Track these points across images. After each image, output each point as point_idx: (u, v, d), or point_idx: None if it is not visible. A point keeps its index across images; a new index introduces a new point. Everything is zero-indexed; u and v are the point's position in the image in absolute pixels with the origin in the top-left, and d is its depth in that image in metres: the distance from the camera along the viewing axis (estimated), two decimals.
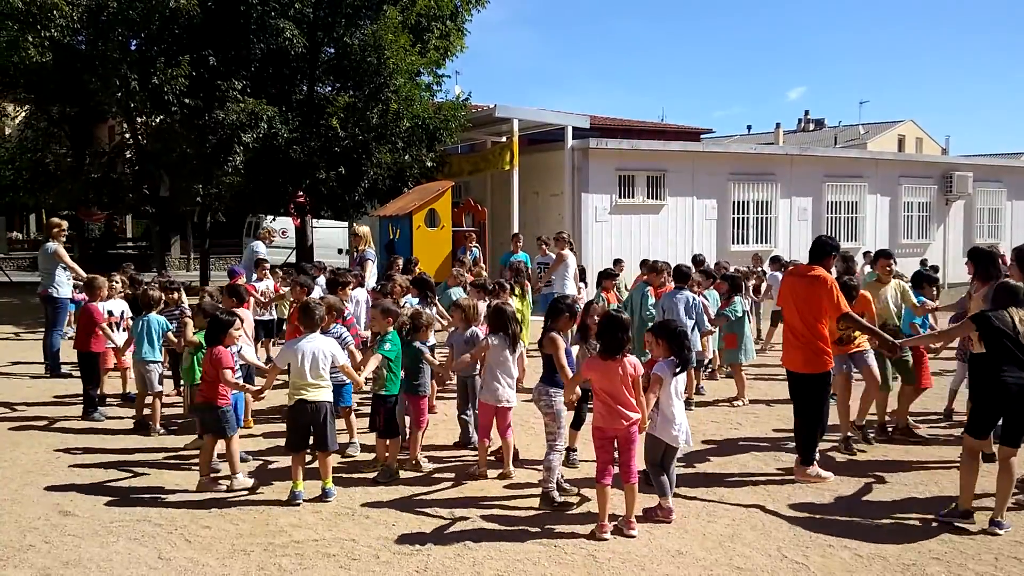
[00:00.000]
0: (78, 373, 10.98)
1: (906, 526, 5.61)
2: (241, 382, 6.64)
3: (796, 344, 6.57)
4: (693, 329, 8.92)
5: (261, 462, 7.05)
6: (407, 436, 7.02)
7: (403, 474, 6.69)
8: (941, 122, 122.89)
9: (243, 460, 6.81)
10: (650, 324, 7.85)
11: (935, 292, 9.13)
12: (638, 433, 5.54)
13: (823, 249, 6.73)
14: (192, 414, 7.42)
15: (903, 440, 7.71)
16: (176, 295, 9.02)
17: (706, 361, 10.16)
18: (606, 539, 5.32)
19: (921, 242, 21.61)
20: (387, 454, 6.68)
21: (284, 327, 10.12)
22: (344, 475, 6.61)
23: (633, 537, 5.36)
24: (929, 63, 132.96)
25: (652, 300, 9.36)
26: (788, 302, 6.70)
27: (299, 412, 6.10)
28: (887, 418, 7.98)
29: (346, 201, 18.31)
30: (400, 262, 11.37)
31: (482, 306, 8.34)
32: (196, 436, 7.45)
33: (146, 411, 8.20)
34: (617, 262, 13.42)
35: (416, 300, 8.73)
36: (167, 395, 9.40)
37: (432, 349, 7.61)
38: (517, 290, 10.26)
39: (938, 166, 23.21)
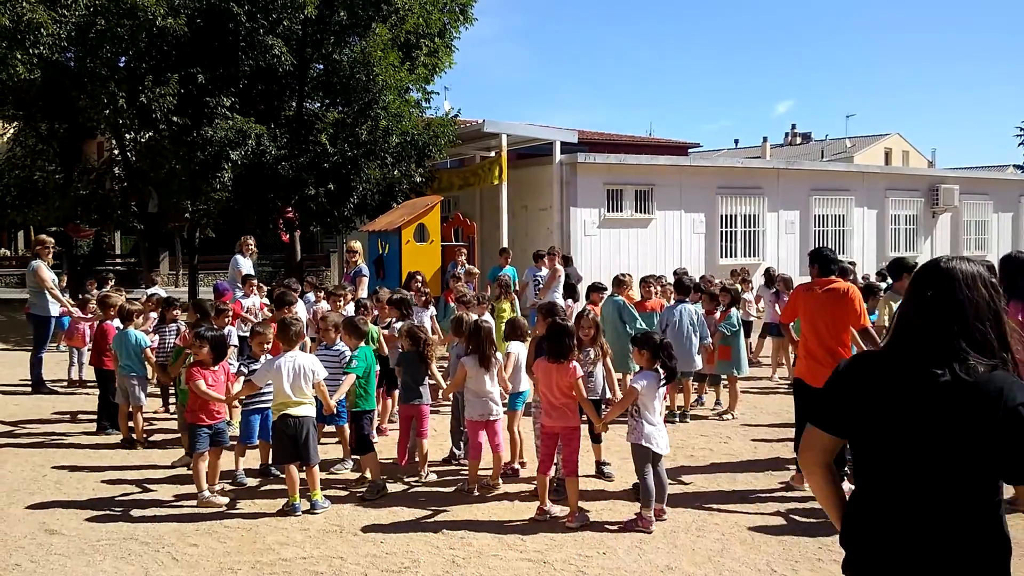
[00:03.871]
0: (63, 389, 11.09)
1: None
2: (212, 393, 6.55)
3: (825, 360, 6.40)
4: (687, 340, 9.00)
5: (258, 480, 7.02)
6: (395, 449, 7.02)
7: (391, 489, 6.67)
8: (927, 135, 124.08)
9: (240, 484, 6.80)
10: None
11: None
12: (580, 435, 5.98)
13: (832, 260, 6.73)
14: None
15: None
16: (175, 312, 8.97)
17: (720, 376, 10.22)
18: (543, 520, 5.83)
19: (908, 254, 21.67)
20: (369, 470, 6.67)
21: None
22: (332, 492, 6.58)
23: (573, 529, 5.72)
24: (915, 77, 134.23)
25: (634, 311, 9.38)
26: (811, 317, 6.58)
27: (283, 427, 6.12)
28: None
29: (335, 217, 18.30)
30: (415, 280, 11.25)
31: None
32: (184, 453, 7.43)
33: (130, 423, 8.20)
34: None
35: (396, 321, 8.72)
36: (155, 412, 9.40)
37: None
38: (506, 304, 10.27)
39: (924, 179, 23.35)
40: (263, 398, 6.82)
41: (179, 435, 7.90)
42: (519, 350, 7.03)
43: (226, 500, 6.38)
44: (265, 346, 6.95)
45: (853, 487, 2.50)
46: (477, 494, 6.56)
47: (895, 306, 7.79)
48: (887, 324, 7.96)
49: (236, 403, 7.23)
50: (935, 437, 2.25)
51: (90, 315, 11.53)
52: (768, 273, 13.13)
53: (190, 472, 7.00)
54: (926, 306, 2.36)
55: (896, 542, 2.32)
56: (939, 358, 2.27)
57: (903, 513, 2.31)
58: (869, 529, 2.39)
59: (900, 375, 2.33)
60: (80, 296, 11.55)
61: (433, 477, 7.02)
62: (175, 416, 8.50)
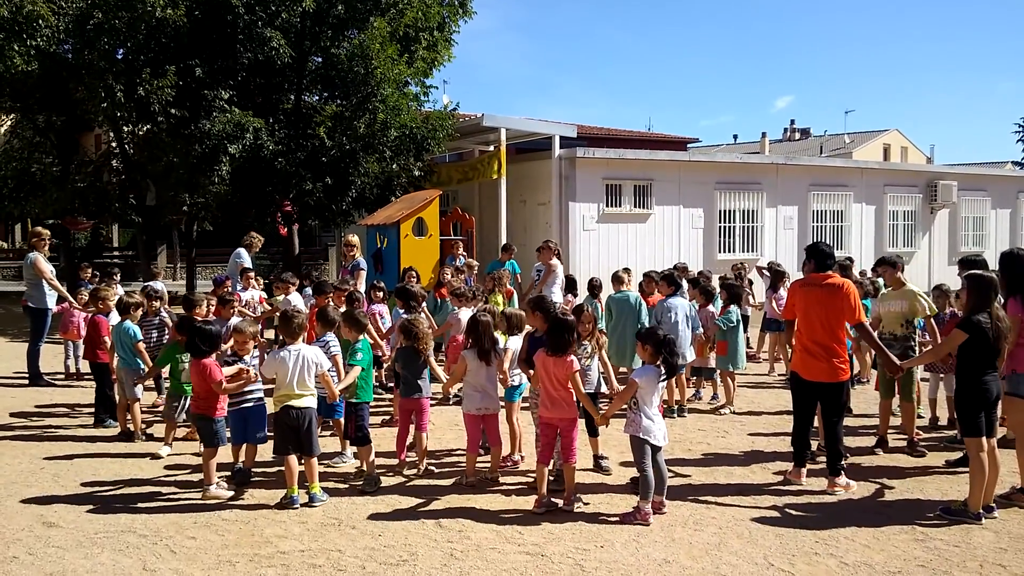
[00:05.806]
0: (60, 382, 11.07)
1: (892, 534, 5.63)
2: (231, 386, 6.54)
3: (820, 355, 6.45)
4: (680, 334, 8.99)
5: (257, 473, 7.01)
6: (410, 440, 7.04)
7: (389, 482, 6.67)
8: (926, 131, 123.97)
9: (242, 477, 6.80)
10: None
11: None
12: (577, 426, 6.06)
13: (828, 255, 6.70)
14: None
15: (909, 452, 7.66)
16: (157, 304, 8.98)
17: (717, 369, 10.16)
18: (540, 513, 5.86)
19: (906, 250, 21.74)
20: (365, 462, 6.67)
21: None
22: (330, 484, 6.58)
23: (569, 512, 5.84)
24: (914, 73, 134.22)
25: (645, 309, 9.38)
26: (807, 312, 6.57)
27: (285, 418, 6.12)
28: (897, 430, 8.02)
29: (333, 210, 18.28)
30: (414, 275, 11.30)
31: (463, 314, 8.39)
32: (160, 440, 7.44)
33: (127, 416, 8.20)
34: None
35: (400, 310, 8.74)
36: (154, 404, 9.40)
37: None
38: (500, 297, 10.29)
39: (923, 175, 23.35)
40: (245, 398, 6.69)
41: (179, 428, 7.89)
42: (514, 343, 7.02)
43: (231, 492, 6.37)
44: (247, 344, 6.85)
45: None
46: (475, 487, 6.56)
47: (891, 301, 7.85)
48: (881, 318, 8.00)
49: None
50: None
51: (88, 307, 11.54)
52: (770, 266, 13.16)
53: (193, 461, 7.02)
54: None
55: None
56: None
57: None
58: None
59: None
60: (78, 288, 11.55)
61: (432, 470, 7.02)
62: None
